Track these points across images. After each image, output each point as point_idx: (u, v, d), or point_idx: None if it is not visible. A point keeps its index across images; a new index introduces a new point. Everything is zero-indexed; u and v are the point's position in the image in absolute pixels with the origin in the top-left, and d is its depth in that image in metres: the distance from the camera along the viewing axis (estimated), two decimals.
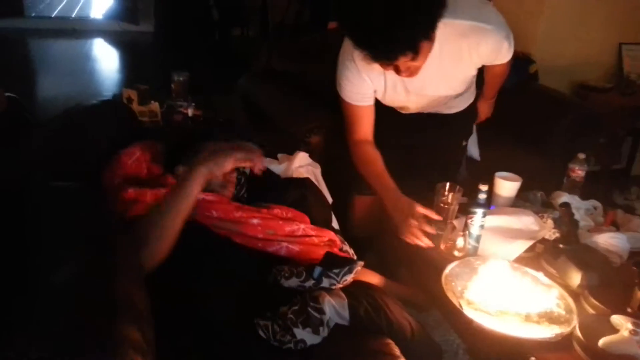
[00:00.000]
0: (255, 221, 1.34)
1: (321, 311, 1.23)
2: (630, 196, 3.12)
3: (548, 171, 2.25)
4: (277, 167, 1.69)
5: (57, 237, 0.85)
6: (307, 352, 1.21)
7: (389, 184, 1.63)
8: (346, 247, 1.52)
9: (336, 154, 2.20)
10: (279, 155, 1.79)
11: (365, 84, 1.61)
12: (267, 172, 1.63)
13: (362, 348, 1.25)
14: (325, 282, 1.32)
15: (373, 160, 1.66)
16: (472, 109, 2.00)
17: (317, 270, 1.30)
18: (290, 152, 1.80)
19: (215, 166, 1.18)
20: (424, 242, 1.50)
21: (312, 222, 1.43)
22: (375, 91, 1.66)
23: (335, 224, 1.76)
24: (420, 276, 1.71)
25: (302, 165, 1.70)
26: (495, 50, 1.60)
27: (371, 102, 1.67)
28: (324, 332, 1.23)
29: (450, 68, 1.60)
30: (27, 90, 4.21)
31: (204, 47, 5.50)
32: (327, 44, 2.73)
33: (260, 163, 1.25)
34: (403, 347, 1.30)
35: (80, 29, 6.49)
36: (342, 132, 1.97)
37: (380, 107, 1.74)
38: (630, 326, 1.18)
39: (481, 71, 1.81)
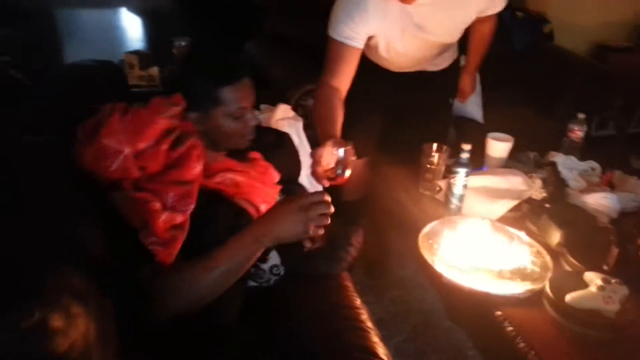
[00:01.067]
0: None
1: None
2: None
3: (554, 135, 2.19)
4: (259, 117, 1.70)
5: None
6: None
7: (332, 134, 1.48)
8: None
9: None
10: (262, 106, 1.80)
11: (366, 22, 1.57)
12: None
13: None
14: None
15: (334, 107, 1.58)
16: (455, 66, 1.99)
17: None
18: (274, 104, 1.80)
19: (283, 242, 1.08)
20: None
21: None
22: (371, 37, 1.64)
23: (317, 186, 1.77)
24: (407, 236, 1.73)
25: (283, 117, 1.70)
26: None
27: (360, 45, 1.61)
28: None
29: (448, 10, 1.60)
30: (50, 58, 4.31)
31: (222, 13, 5.48)
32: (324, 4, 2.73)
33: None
34: None
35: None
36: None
37: (368, 68, 1.73)
38: (599, 282, 1.17)
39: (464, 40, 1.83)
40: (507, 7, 2.92)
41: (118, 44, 4.89)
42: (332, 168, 1.27)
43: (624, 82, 2.80)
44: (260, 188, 1.26)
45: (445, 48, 1.81)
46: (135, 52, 2.15)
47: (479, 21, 1.75)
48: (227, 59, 1.25)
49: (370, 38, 1.63)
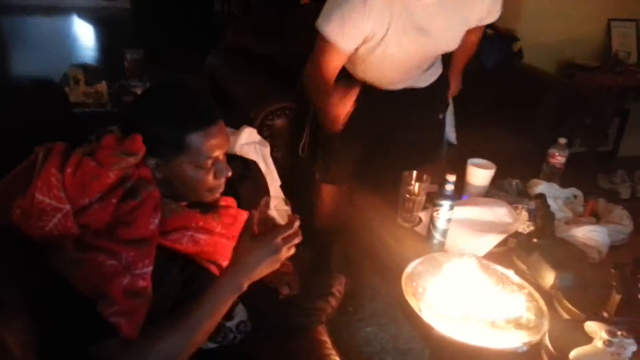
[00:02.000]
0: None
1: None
2: (616, 179, 3.00)
3: (529, 156, 2.11)
4: None
5: None
6: None
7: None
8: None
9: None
10: None
11: (366, 19, 1.48)
12: None
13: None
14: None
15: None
16: (442, 79, 1.92)
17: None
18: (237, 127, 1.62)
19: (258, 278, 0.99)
20: None
21: (241, 206, 1.22)
22: (365, 41, 1.55)
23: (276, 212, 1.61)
24: (385, 273, 1.59)
25: (248, 142, 1.53)
26: (493, 2, 1.62)
27: (351, 49, 1.56)
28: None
29: (453, 12, 1.56)
30: None
31: (182, 23, 5.29)
32: (296, 21, 2.59)
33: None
34: None
35: (55, 5, 6.24)
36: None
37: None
38: (605, 335, 1.05)
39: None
40: None
41: (63, 56, 4.58)
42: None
43: (593, 101, 2.78)
44: (225, 245, 1.08)
45: (435, 60, 1.77)
46: (81, 66, 1.94)
47: (469, 30, 1.67)
48: (196, 100, 1.06)
49: (363, 41, 1.54)
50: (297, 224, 0.99)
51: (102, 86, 1.88)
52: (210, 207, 1.11)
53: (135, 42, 2.53)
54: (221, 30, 2.79)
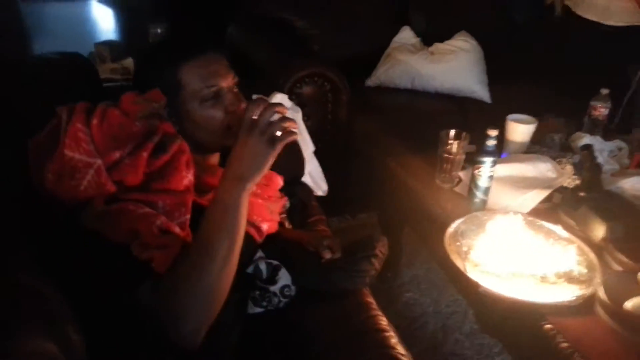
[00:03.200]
0: None
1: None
2: None
3: (568, 111, 2.03)
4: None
5: None
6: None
7: None
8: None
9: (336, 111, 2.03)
10: (254, 97, 1.60)
11: None
12: None
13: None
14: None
15: None
16: None
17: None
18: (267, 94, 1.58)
19: (262, 174, 0.88)
20: None
21: (278, 172, 1.18)
22: None
23: (321, 182, 1.59)
24: (425, 235, 1.56)
25: None
26: None
27: None
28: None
29: None
30: (18, 51, 4.05)
31: None
32: None
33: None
34: None
35: None
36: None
37: None
38: None
39: None
40: None
41: (87, 35, 4.61)
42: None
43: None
44: (261, 205, 1.07)
45: None
46: (107, 43, 1.94)
47: None
48: (185, 35, 1.05)
49: None
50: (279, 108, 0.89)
51: (129, 61, 1.87)
52: None
53: (154, 17, 2.52)
54: (240, 1, 2.74)
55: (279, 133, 0.87)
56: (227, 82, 1.03)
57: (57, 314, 0.67)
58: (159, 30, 2.04)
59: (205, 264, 0.83)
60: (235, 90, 1.05)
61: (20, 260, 0.75)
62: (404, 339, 1.64)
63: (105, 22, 5.57)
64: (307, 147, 1.56)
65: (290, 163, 1.37)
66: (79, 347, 0.65)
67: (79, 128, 0.91)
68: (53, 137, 0.93)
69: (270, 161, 0.87)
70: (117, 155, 0.91)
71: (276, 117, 0.87)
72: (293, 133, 0.88)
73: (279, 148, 0.87)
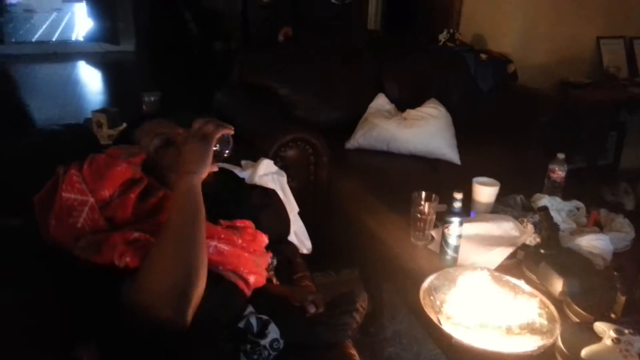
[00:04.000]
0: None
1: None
2: (619, 192, 3.08)
3: (529, 173, 2.21)
4: (242, 173, 1.64)
5: None
6: None
7: None
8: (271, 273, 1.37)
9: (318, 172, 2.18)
10: (243, 162, 1.73)
11: None
12: (230, 175, 1.57)
13: None
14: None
15: None
16: None
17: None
18: (255, 159, 1.73)
19: (206, 166, 1.04)
20: None
21: (266, 233, 1.31)
22: None
23: (306, 240, 1.70)
24: (402, 290, 1.67)
25: (266, 173, 1.64)
26: None
27: None
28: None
29: None
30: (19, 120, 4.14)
31: (184, 63, 5.47)
32: (298, 57, 2.74)
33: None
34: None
35: (61, 52, 6.47)
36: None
37: None
38: (613, 334, 1.13)
39: None
40: (471, 50, 3.04)
41: (75, 101, 4.76)
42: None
43: (587, 116, 2.89)
44: (247, 258, 1.17)
45: None
46: (103, 111, 2.07)
47: None
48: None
49: None
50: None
51: (124, 128, 1.99)
52: (231, 226, 1.22)
53: (143, 83, 2.69)
54: (222, 68, 2.94)
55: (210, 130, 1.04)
56: (163, 130, 1.24)
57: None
58: (152, 99, 2.18)
59: (177, 243, 0.95)
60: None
61: None
62: None
63: (92, 84, 5.74)
64: (292, 208, 1.68)
65: (276, 223, 1.49)
66: None
67: (73, 173, 1.08)
68: (52, 191, 1.08)
69: (210, 153, 1.03)
70: (106, 194, 1.07)
71: (210, 124, 1.05)
72: (222, 126, 1.05)
73: (212, 142, 1.03)
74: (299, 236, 1.70)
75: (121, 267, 0.97)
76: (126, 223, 1.07)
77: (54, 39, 7.23)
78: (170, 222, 0.98)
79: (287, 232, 1.58)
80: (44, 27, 7.99)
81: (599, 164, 3.37)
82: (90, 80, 5.85)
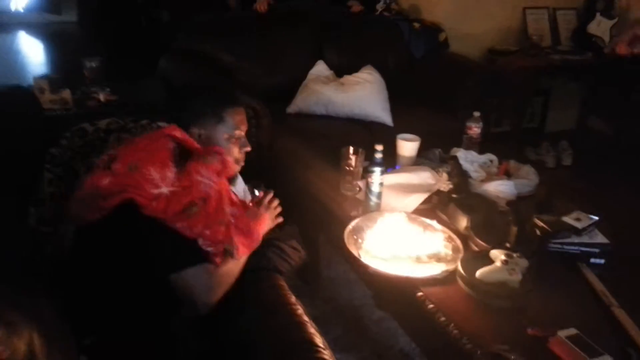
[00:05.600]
0: None
1: None
2: (541, 151, 3.35)
3: (453, 133, 2.40)
4: None
5: None
6: None
7: None
8: None
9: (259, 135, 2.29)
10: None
11: None
12: None
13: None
14: None
15: None
16: None
17: None
18: None
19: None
20: None
21: None
22: None
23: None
24: (333, 236, 1.84)
25: None
26: None
27: None
28: None
29: None
30: None
31: (130, 33, 5.39)
32: (241, 25, 2.82)
33: None
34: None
35: (1, 22, 6.22)
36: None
37: None
38: (503, 257, 1.33)
39: None
40: (406, 20, 3.19)
41: (18, 70, 4.65)
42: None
43: (512, 82, 3.11)
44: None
45: None
46: (45, 77, 2.11)
47: None
48: (231, 89, 1.51)
49: None
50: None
51: (67, 93, 2.05)
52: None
53: (86, 52, 2.71)
54: (168, 38, 2.99)
55: None
56: (245, 129, 1.45)
57: None
58: (93, 65, 2.23)
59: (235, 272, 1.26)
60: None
61: None
62: (323, 327, 1.90)
63: (35, 53, 5.59)
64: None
65: None
66: None
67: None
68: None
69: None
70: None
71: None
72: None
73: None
74: (239, 193, 1.83)
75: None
76: None
77: None
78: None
79: None
80: None
81: (526, 127, 3.64)
82: (32, 51, 5.69)
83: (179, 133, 1.30)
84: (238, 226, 1.26)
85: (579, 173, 3.25)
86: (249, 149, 1.46)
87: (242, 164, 1.46)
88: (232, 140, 1.40)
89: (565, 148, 3.39)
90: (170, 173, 1.19)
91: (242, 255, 1.27)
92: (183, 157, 1.27)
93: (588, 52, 3.29)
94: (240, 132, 1.42)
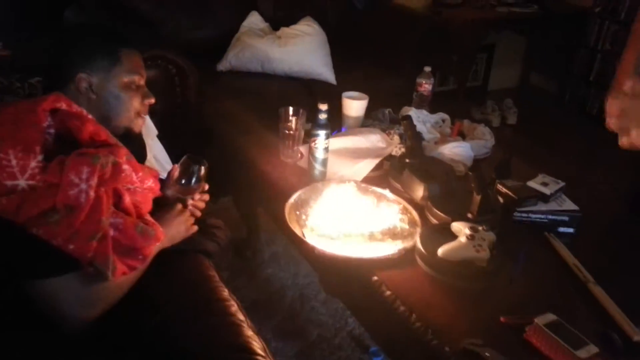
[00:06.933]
0: None
1: None
2: (486, 109, 3.25)
3: (402, 90, 2.21)
4: None
5: None
6: None
7: None
8: None
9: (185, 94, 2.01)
10: None
11: None
12: None
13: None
14: None
15: None
16: None
17: None
18: None
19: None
20: None
21: None
22: None
23: (167, 165, 1.58)
24: (273, 210, 1.62)
25: None
26: None
27: None
28: None
29: None
30: None
31: None
32: None
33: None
34: None
35: None
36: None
37: None
38: (467, 231, 1.16)
39: None
40: None
41: None
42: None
43: (457, 35, 2.95)
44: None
45: None
46: None
47: None
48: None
49: None
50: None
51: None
52: None
53: None
54: None
55: None
56: (144, 79, 1.19)
57: None
58: None
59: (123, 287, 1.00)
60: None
61: None
62: (264, 311, 1.70)
63: None
64: (149, 131, 1.53)
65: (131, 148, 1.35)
66: None
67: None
68: None
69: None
70: None
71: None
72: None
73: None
74: (159, 161, 1.56)
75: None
76: None
77: None
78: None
79: (145, 156, 1.44)
80: None
81: (470, 85, 3.52)
82: None
83: (64, 103, 1.00)
84: (120, 242, 0.96)
85: (524, 132, 3.18)
86: (152, 100, 1.20)
87: (145, 116, 1.21)
88: (133, 87, 1.14)
89: (510, 106, 3.31)
90: (34, 162, 0.91)
91: (120, 277, 0.96)
92: (64, 146, 0.97)
93: (534, 5, 3.18)
94: (141, 79, 1.17)
